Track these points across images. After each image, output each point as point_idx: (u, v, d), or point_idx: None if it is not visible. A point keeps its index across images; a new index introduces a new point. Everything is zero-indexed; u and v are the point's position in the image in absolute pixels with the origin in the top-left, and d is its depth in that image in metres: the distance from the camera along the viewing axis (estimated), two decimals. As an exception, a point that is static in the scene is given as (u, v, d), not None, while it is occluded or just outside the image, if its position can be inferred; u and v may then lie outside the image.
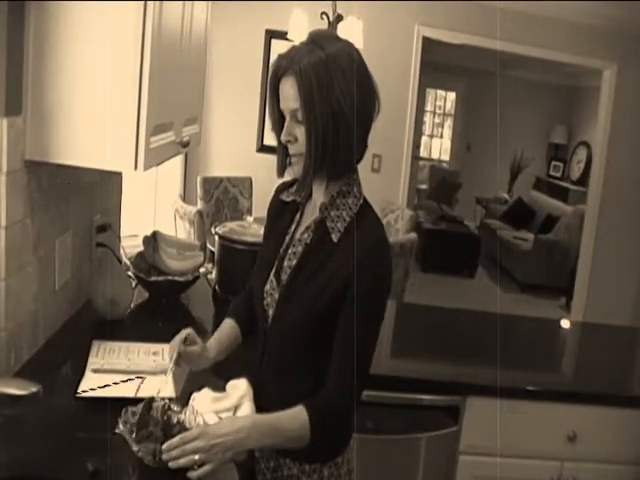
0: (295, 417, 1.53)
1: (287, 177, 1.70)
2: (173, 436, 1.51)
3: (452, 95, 12.01)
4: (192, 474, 1.44)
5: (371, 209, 1.64)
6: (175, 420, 1.57)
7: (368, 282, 1.54)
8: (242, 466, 1.58)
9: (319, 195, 1.65)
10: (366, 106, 1.57)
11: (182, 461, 1.43)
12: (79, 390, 1.79)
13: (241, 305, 1.90)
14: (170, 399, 1.66)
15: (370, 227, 1.60)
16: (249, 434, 1.49)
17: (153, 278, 2.58)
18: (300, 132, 1.55)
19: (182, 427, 1.55)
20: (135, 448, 1.47)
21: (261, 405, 1.63)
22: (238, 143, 5.88)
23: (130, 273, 2.59)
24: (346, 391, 1.55)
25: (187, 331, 1.74)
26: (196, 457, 1.44)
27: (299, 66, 1.50)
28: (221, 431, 1.47)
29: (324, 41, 1.53)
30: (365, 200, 1.64)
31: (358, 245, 1.55)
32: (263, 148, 5.85)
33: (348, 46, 1.55)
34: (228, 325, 1.88)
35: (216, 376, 1.85)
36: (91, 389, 1.80)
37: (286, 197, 1.75)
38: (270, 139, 1.80)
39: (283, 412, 1.54)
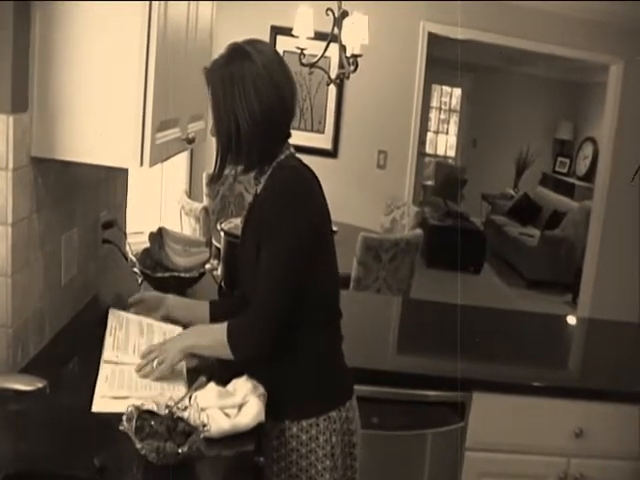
0: (220, 325, 1.83)
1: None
2: (178, 433, 1.52)
3: (458, 91, 11.98)
4: (154, 374, 1.85)
5: (294, 158, 1.87)
6: (179, 417, 1.57)
7: (266, 210, 1.78)
8: (252, 439, 1.70)
9: None
10: (274, 110, 1.78)
11: (148, 368, 1.86)
12: (95, 397, 1.77)
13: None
14: (174, 397, 1.66)
15: (282, 168, 1.83)
16: (184, 336, 1.93)
17: (159, 274, 2.58)
18: None
19: (186, 424, 1.55)
20: (139, 445, 1.47)
21: None
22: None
23: (136, 269, 2.59)
24: (257, 312, 1.78)
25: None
26: (155, 363, 1.85)
27: (212, 79, 1.79)
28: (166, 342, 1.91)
29: (235, 58, 1.77)
30: (290, 152, 1.87)
31: (265, 185, 1.85)
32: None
33: (256, 63, 1.75)
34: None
35: (218, 375, 1.86)
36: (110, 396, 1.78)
37: None
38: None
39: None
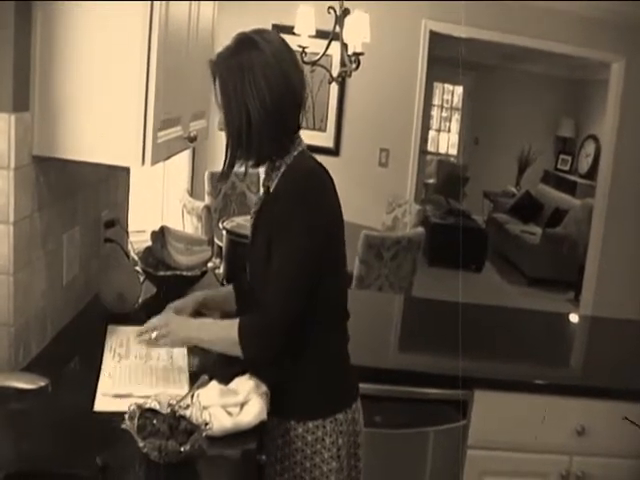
0: (230, 322, 1.80)
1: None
2: (179, 432, 1.52)
3: (459, 89, 11.97)
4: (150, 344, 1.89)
5: (307, 154, 1.85)
6: (181, 416, 1.57)
7: (279, 208, 1.76)
8: (255, 437, 1.69)
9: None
10: (285, 98, 1.76)
11: (146, 337, 1.87)
12: (98, 394, 1.77)
13: None
14: (176, 395, 1.66)
15: (296, 167, 1.81)
16: (191, 327, 1.89)
17: (161, 273, 2.58)
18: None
19: (188, 423, 1.55)
20: (141, 444, 1.47)
21: None
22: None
23: (138, 268, 2.59)
24: (270, 311, 1.75)
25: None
26: (154, 334, 1.85)
27: (219, 71, 1.76)
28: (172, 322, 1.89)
29: (243, 47, 1.75)
30: (303, 148, 1.84)
31: (279, 183, 1.81)
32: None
33: (265, 52, 1.73)
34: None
35: (220, 373, 1.86)
36: (113, 394, 1.78)
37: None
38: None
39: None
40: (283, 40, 1.82)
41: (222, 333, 1.83)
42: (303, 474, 1.84)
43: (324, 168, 1.84)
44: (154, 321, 1.90)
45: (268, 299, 1.76)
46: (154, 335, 1.86)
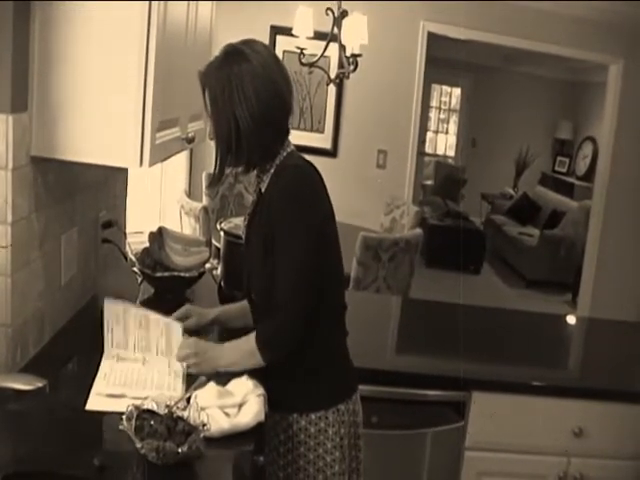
0: (248, 336, 1.84)
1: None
2: (177, 433, 1.52)
3: (457, 91, 11.98)
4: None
5: (295, 154, 1.88)
6: (179, 417, 1.57)
7: (273, 208, 1.79)
8: (252, 438, 1.69)
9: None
10: (273, 108, 1.80)
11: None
12: (91, 393, 1.77)
13: None
14: (175, 397, 1.66)
15: (287, 167, 1.84)
16: (223, 355, 1.87)
17: (159, 274, 2.58)
18: None
19: (186, 424, 1.55)
20: (138, 445, 1.47)
21: None
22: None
23: (136, 269, 2.59)
24: (283, 308, 1.79)
25: (186, 307, 2.16)
26: (185, 364, 1.87)
27: (208, 82, 1.80)
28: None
29: (231, 59, 1.77)
30: (291, 149, 1.88)
31: (270, 184, 1.85)
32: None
33: (253, 63, 1.76)
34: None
35: (218, 375, 1.86)
36: (106, 394, 1.78)
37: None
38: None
39: None
40: (270, 50, 1.88)
41: (241, 349, 1.86)
42: (307, 466, 1.87)
43: (313, 166, 1.88)
44: (183, 352, 1.88)
45: (278, 298, 1.80)
46: (184, 366, 1.88)
